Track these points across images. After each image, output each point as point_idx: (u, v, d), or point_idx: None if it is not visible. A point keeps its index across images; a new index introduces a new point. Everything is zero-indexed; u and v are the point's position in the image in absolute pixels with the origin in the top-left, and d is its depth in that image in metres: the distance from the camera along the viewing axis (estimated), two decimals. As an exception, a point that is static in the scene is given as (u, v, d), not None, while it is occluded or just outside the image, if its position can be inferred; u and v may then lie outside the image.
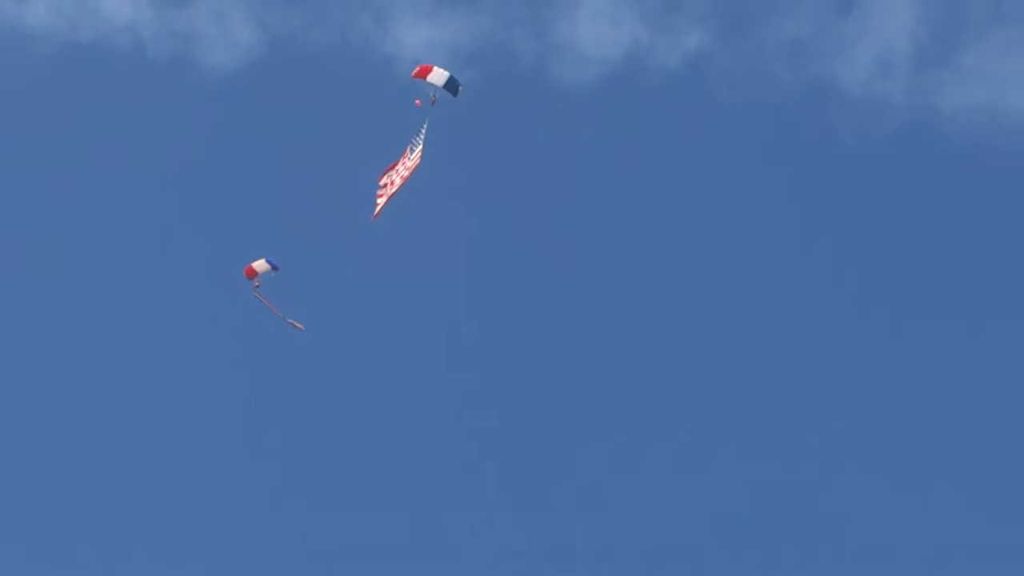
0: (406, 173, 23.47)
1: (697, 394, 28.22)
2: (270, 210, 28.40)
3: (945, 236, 28.26)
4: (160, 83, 28.96)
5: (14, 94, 28.92)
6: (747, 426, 27.87)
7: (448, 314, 28.87)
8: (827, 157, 27.92)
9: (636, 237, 29.45)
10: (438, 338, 28.61)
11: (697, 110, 28.43)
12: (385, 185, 23.71)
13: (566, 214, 28.87)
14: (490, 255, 29.01)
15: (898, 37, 27.87)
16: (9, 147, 28.86)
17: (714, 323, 28.67)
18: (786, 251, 28.52)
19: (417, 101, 23.24)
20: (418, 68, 23.32)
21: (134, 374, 28.62)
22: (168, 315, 28.69)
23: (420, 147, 23.52)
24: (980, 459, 27.23)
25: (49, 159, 28.67)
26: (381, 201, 23.68)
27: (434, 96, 23.25)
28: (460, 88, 22.87)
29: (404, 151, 23.51)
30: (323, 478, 28.09)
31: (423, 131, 23.44)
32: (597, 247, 29.58)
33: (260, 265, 24.18)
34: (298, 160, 28.81)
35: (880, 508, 26.74)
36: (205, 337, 28.72)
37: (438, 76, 23.08)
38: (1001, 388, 27.76)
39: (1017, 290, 28.28)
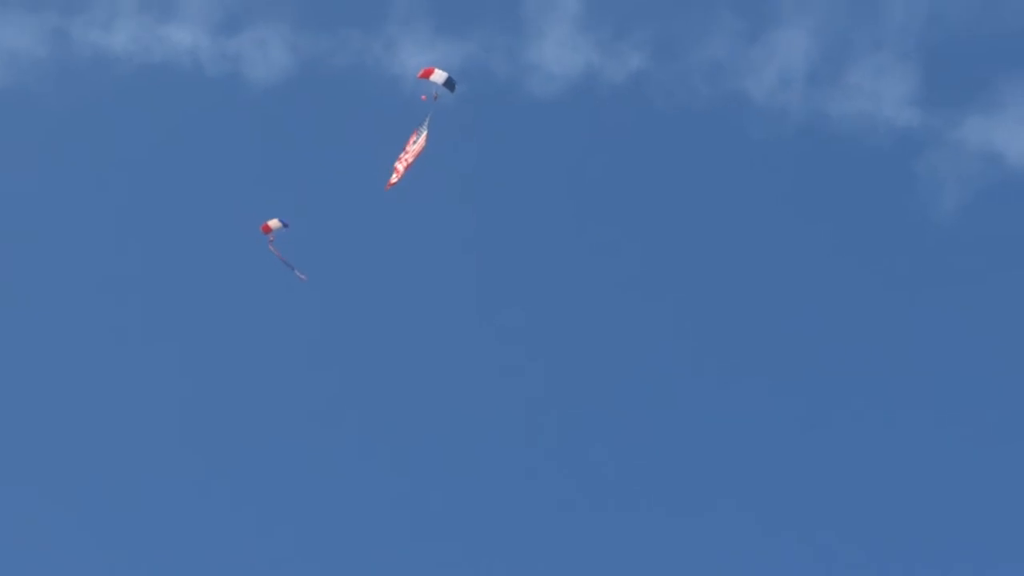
0: (412, 157, 30.80)
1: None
2: (300, 191, 35.97)
3: (831, 219, 35.95)
4: (215, 96, 36.47)
5: (101, 107, 36.37)
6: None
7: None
8: (739, 153, 35.60)
9: (594, 219, 36.98)
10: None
11: (638, 117, 36.04)
12: (398, 163, 31.04)
13: (536, 199, 36.53)
14: (475, 231, 36.63)
15: (796, 59, 35.53)
16: (96, 149, 36.33)
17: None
18: (708, 230, 36.10)
19: (423, 96, 30.64)
20: (423, 70, 30.72)
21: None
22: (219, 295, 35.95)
23: (425, 133, 30.88)
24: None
25: (129, 157, 36.17)
26: (394, 177, 30.99)
27: (436, 93, 30.61)
28: (456, 85, 30.25)
29: (411, 135, 30.84)
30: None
31: (427, 121, 30.88)
32: (563, 227, 37.05)
33: (274, 223, 31.13)
34: (323, 155, 36.44)
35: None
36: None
37: (439, 76, 30.48)
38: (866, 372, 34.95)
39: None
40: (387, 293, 36.74)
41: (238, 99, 36.41)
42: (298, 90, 36.26)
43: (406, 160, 31.00)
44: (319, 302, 35.15)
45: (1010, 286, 35.68)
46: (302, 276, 31.79)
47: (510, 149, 36.09)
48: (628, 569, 33.22)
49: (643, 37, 35.22)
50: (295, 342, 35.97)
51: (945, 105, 35.04)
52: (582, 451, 34.87)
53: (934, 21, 35.46)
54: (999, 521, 33.77)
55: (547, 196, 36.06)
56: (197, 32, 35.95)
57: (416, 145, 31.08)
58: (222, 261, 36.27)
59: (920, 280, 36.01)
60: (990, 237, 35.81)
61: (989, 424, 34.62)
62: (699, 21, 34.89)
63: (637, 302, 36.26)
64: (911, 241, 35.95)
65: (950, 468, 34.27)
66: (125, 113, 36.40)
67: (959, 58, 36.05)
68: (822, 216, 36.02)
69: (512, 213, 36.30)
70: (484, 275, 36.72)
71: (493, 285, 36.75)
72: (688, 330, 35.83)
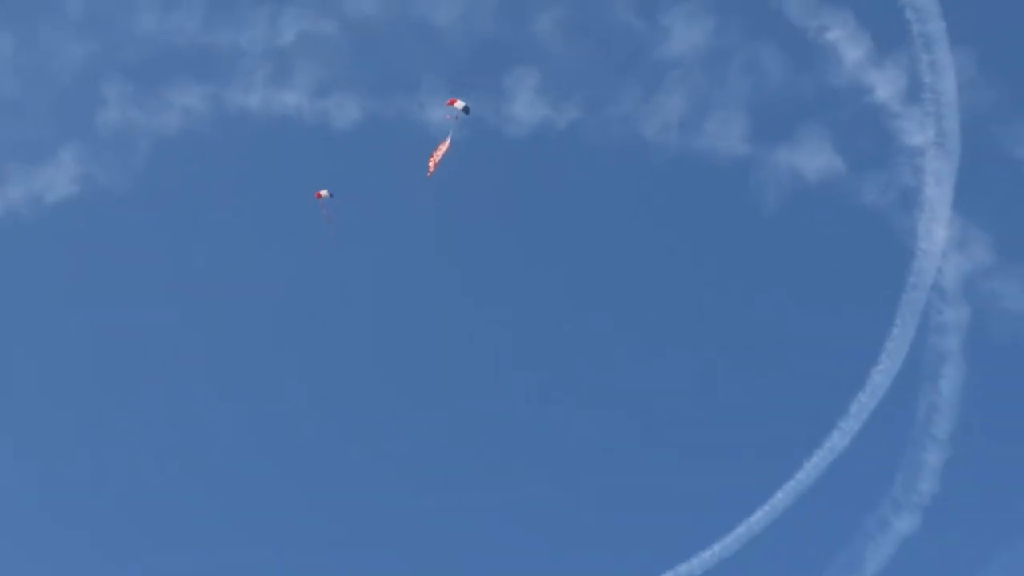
0: (440, 155, 51.62)
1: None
2: (359, 193, 58.05)
3: (695, 217, 57.78)
4: (312, 138, 58.36)
5: (243, 146, 58.26)
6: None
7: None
8: (635, 176, 57.69)
9: (542, 221, 58.82)
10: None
11: (571, 149, 57.87)
12: (431, 160, 51.89)
13: (509, 211, 58.70)
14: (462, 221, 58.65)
15: (673, 112, 57.17)
16: (241, 173, 58.49)
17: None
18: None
19: (447, 116, 51.75)
20: (449, 100, 51.98)
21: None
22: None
23: (448, 140, 51.75)
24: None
25: (261, 176, 58.35)
26: (430, 169, 51.93)
27: (457, 115, 51.56)
28: (469, 111, 51.25)
29: (441, 142, 51.90)
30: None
31: (450, 133, 51.82)
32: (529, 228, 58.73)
33: (324, 192, 52.40)
34: (376, 169, 58.50)
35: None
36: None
37: (459, 104, 51.62)
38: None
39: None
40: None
41: (327, 140, 58.56)
42: (365, 134, 58.41)
43: (436, 158, 52.31)
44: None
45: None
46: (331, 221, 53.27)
47: (493, 164, 58.16)
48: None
49: (576, 100, 57.36)
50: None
51: (766, 140, 56.59)
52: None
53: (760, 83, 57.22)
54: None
55: (517, 208, 58.76)
56: (301, 96, 58.17)
57: (443, 147, 52.46)
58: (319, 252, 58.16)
59: (752, 255, 57.37)
60: (797, 226, 57.13)
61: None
62: (611, 87, 56.90)
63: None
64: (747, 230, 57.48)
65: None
66: (258, 148, 58.56)
67: (778, 110, 57.65)
68: (690, 215, 57.64)
69: (489, 214, 58.70)
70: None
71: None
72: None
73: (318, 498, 57.70)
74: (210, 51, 57.41)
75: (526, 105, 57.35)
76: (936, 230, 55.45)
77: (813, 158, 56.59)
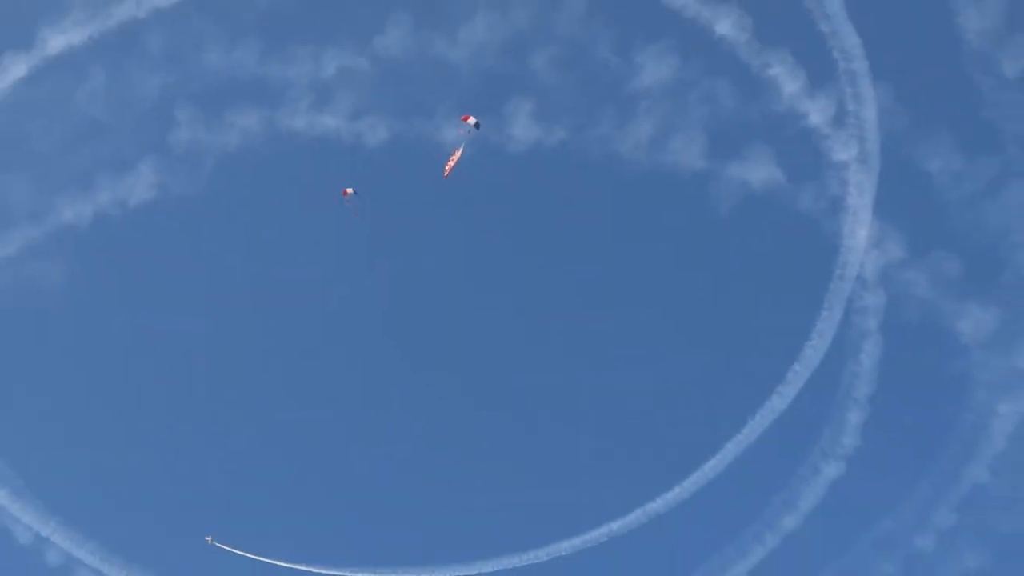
0: (454, 162, 64.15)
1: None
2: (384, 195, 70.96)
3: (663, 221, 70.58)
4: (347, 153, 71.05)
5: (291, 159, 70.97)
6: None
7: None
8: (611, 186, 70.39)
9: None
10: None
11: (558, 161, 70.60)
12: (447, 165, 64.41)
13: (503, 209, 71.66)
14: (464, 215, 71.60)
15: (642, 134, 69.73)
16: (290, 183, 71.38)
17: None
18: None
19: (460, 130, 64.21)
20: (463, 117, 64.24)
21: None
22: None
23: (461, 148, 64.06)
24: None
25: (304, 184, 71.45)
26: (446, 172, 64.53)
27: (469, 130, 63.92)
28: (480, 126, 63.58)
29: (455, 150, 64.29)
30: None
31: (463, 143, 64.18)
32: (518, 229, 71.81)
33: (349, 190, 65.34)
34: (400, 176, 71.53)
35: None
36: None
37: (471, 121, 63.93)
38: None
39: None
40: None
41: (360, 155, 71.37)
42: (391, 150, 71.12)
43: (451, 163, 64.96)
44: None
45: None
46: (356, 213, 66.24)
47: (495, 175, 71.12)
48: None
49: (564, 124, 70.11)
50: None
51: (720, 157, 69.16)
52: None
53: (715, 110, 69.81)
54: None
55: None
56: (339, 119, 70.74)
57: (456, 155, 65.11)
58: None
59: (707, 250, 70.39)
60: (745, 227, 69.88)
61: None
62: (592, 113, 69.65)
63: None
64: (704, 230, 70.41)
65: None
66: (303, 162, 71.35)
67: (730, 132, 70.15)
68: (657, 218, 70.47)
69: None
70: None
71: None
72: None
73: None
74: (264, 82, 70.05)
75: (523, 128, 70.16)
76: (858, 231, 68.03)
77: (758, 171, 69.22)
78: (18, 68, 69.37)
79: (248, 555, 68.93)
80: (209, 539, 69.00)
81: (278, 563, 68.37)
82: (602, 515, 68.08)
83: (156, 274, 72.89)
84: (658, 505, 69.08)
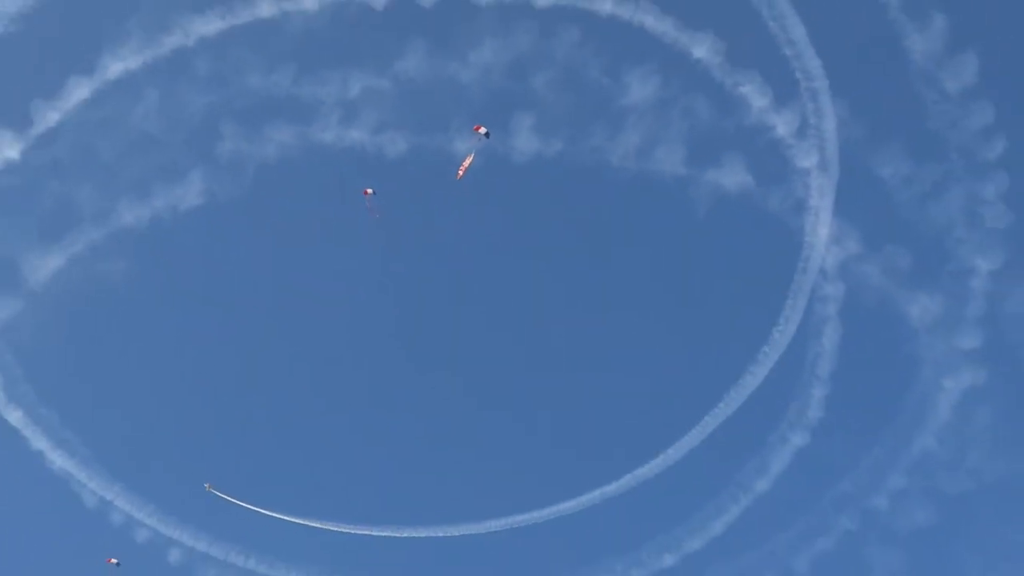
0: (466, 165, 74.07)
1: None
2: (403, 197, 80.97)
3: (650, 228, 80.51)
4: (372, 162, 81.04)
5: (323, 169, 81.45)
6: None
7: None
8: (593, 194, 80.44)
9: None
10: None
11: (560, 173, 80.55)
12: (460, 168, 74.40)
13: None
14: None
15: (629, 147, 79.55)
16: (321, 188, 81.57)
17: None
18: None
19: (473, 139, 73.83)
20: (476, 127, 73.81)
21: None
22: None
23: (472, 155, 73.87)
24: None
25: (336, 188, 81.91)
26: (459, 174, 74.56)
27: (480, 139, 73.54)
28: (489, 135, 73.25)
29: (467, 156, 74.36)
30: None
31: (474, 150, 73.93)
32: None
33: (369, 191, 75.50)
34: (418, 184, 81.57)
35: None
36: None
37: (483, 130, 73.45)
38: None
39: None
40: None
41: (382, 165, 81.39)
42: (409, 160, 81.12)
43: (463, 166, 75.06)
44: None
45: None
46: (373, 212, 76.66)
47: (501, 180, 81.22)
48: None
49: (561, 136, 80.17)
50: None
51: (699, 164, 78.98)
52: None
53: (694, 123, 79.65)
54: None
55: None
56: (363, 133, 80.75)
57: (468, 159, 75.18)
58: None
59: (688, 246, 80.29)
60: (721, 225, 79.81)
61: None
62: (586, 127, 79.62)
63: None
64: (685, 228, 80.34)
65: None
66: (332, 170, 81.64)
67: (707, 142, 79.91)
68: (644, 217, 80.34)
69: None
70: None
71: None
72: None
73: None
74: (298, 101, 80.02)
75: (525, 139, 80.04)
76: (820, 229, 77.57)
77: (731, 177, 78.91)
78: (82, 90, 79.20)
79: (240, 503, 79.56)
80: (207, 486, 79.55)
81: (269, 512, 79.38)
82: (597, 479, 78.31)
83: (204, 269, 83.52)
84: (647, 469, 79.06)
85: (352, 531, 79.28)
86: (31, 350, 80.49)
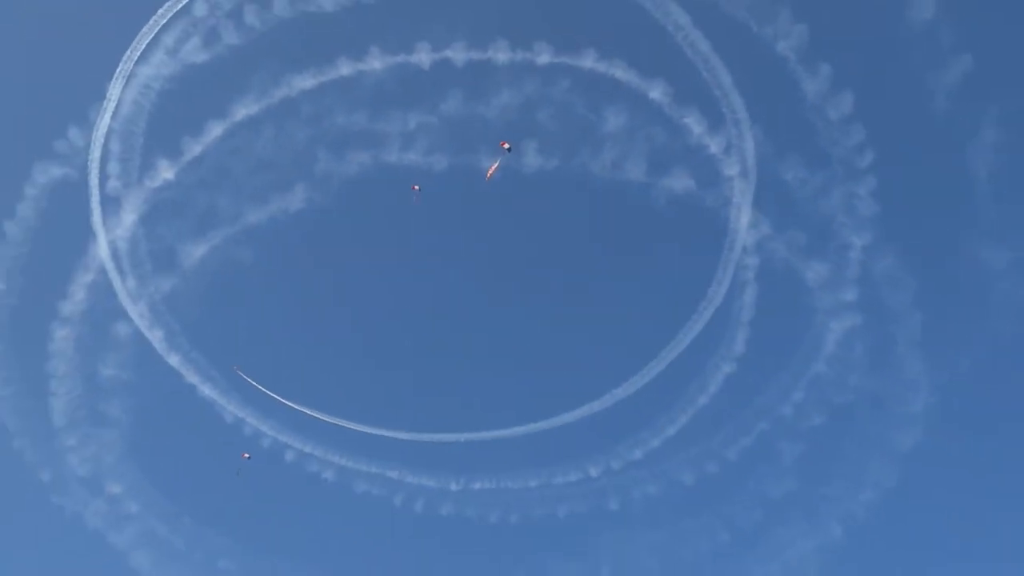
0: (492, 170, 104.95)
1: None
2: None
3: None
4: (421, 175, 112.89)
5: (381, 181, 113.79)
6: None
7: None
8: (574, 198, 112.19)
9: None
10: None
11: (559, 182, 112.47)
12: (488, 172, 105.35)
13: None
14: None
15: (616, 151, 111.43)
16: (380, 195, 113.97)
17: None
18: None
19: (500, 151, 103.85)
20: (502, 143, 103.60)
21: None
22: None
23: (497, 162, 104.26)
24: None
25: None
26: (488, 174, 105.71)
27: (504, 152, 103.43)
28: (511, 149, 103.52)
29: (493, 162, 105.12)
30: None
31: (499, 159, 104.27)
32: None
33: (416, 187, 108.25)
34: (456, 188, 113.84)
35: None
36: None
37: (507, 145, 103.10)
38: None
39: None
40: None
41: (429, 177, 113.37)
42: (450, 174, 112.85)
43: (490, 171, 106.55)
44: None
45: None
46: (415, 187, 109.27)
47: (513, 187, 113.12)
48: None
49: (557, 155, 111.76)
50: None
51: (656, 174, 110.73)
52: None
53: (653, 145, 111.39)
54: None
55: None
56: (417, 155, 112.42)
57: (494, 166, 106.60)
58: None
59: (647, 233, 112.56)
60: (671, 216, 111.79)
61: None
62: (575, 149, 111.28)
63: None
64: (644, 218, 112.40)
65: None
66: (395, 182, 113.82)
67: (661, 158, 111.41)
68: (616, 212, 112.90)
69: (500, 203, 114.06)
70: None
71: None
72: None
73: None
74: (371, 133, 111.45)
75: (532, 158, 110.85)
76: (742, 218, 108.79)
77: (680, 182, 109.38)
78: (217, 129, 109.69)
79: (263, 389, 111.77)
80: (236, 368, 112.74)
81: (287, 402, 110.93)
82: (582, 397, 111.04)
83: (306, 254, 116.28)
84: (622, 389, 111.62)
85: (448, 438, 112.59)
86: (185, 313, 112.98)
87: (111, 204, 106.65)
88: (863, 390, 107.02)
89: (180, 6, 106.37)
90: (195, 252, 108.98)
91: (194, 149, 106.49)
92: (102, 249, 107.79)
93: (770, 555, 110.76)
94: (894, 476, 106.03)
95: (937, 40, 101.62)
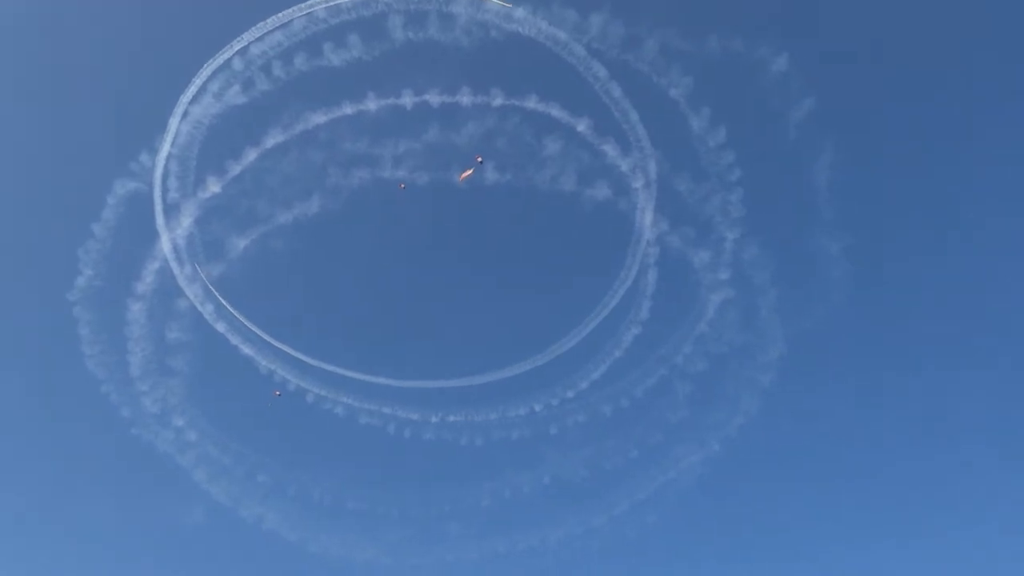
0: (467, 174, 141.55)
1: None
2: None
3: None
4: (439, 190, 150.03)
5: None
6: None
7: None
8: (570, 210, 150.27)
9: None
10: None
11: (511, 191, 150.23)
12: (462, 176, 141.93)
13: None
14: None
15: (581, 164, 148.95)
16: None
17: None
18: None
19: (472, 163, 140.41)
20: (477, 156, 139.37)
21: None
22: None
23: (472, 169, 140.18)
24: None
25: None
26: (461, 179, 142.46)
27: (477, 163, 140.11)
28: (483, 162, 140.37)
29: (466, 170, 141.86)
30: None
31: (472, 168, 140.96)
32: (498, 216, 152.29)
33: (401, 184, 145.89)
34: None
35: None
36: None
37: (480, 159, 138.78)
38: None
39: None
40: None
41: (413, 187, 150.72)
42: (431, 183, 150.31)
43: (462, 177, 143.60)
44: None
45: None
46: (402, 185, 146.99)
47: (478, 191, 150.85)
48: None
49: (515, 174, 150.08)
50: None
51: (586, 187, 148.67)
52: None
53: (583, 168, 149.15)
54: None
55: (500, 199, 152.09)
56: (405, 172, 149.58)
57: (468, 173, 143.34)
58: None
59: (582, 232, 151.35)
60: (594, 217, 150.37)
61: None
62: (534, 170, 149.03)
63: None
64: (573, 221, 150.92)
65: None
66: (389, 189, 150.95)
67: (591, 176, 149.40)
68: (556, 213, 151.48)
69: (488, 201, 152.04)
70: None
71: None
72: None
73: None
74: (370, 154, 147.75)
75: (490, 173, 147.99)
76: (646, 218, 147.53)
77: (600, 192, 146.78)
78: (252, 154, 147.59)
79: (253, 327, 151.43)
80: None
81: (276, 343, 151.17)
82: (528, 352, 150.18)
83: (321, 242, 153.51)
84: (568, 338, 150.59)
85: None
86: (231, 291, 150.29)
87: (172, 210, 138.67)
88: (735, 344, 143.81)
89: (224, 60, 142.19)
90: (237, 245, 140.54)
91: (235, 168, 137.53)
92: (165, 244, 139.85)
93: (668, 466, 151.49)
94: (758, 406, 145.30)
95: (789, 86, 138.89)
